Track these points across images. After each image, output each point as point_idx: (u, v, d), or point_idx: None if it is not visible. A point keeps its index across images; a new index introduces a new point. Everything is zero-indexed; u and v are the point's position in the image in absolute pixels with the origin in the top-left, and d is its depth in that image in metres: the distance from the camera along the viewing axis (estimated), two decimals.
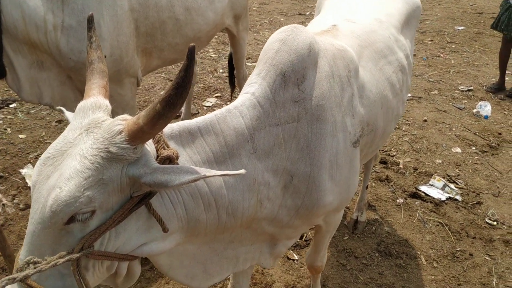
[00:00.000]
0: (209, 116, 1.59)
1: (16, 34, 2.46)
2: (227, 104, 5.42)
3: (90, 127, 1.29)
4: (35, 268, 1.22)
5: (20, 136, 4.58)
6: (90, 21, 1.51)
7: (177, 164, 1.40)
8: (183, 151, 1.49)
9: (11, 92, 5.14)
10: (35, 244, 1.27)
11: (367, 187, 3.59)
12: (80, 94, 2.86)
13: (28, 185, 3.78)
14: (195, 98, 5.56)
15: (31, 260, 1.23)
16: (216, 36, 7.73)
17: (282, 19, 9.35)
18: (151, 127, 1.21)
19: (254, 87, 1.66)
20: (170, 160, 1.37)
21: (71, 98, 2.85)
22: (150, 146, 1.39)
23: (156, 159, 1.36)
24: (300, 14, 9.73)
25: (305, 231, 2.12)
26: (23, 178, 3.88)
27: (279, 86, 1.64)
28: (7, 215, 3.45)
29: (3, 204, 3.52)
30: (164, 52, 3.07)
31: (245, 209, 1.65)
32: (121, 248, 1.39)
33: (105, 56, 2.62)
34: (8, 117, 4.98)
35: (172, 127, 1.51)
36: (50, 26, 2.48)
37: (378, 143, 2.29)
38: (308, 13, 9.75)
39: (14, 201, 3.60)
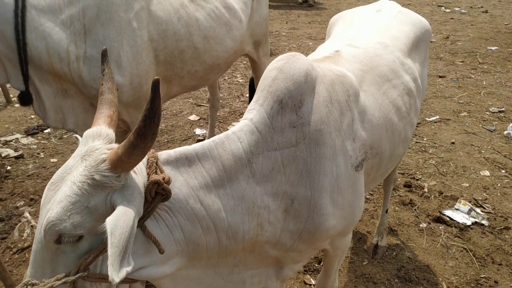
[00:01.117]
0: (207, 141, 1.65)
1: (41, 65, 2.62)
2: None
3: (85, 155, 1.38)
4: None
5: (52, 160, 4.79)
6: (104, 55, 1.61)
7: (168, 188, 1.44)
8: (180, 176, 1.55)
9: None
10: (37, 261, 1.38)
11: (387, 211, 3.54)
12: None
13: None
14: (221, 122, 5.67)
15: (30, 282, 1.32)
16: (244, 62, 7.88)
17: (310, 43, 9.44)
18: (128, 156, 1.29)
19: (252, 113, 1.72)
20: (159, 184, 1.43)
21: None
22: (142, 173, 1.46)
23: None
24: None
25: (312, 255, 2.13)
26: None
27: (277, 112, 1.69)
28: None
29: (32, 226, 3.68)
30: (184, 80, 3.18)
31: (245, 232, 1.68)
32: None
33: (125, 84, 2.76)
34: (42, 141, 5.23)
35: (169, 153, 1.58)
36: (73, 57, 2.63)
37: (386, 166, 2.29)
38: None
39: None
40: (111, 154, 1.34)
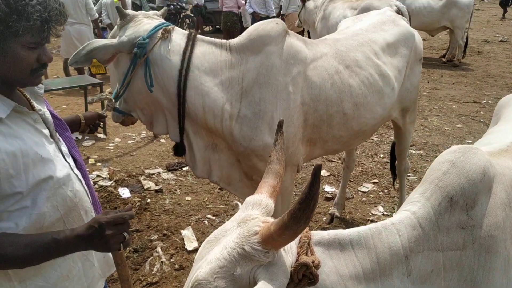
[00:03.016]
0: (363, 228, 1.56)
1: (196, 120, 2.79)
2: (384, 192, 5.27)
3: (241, 222, 1.39)
4: None
5: (186, 198, 5.05)
6: (280, 126, 1.65)
7: (316, 273, 1.38)
8: (330, 261, 1.47)
9: None
10: None
11: None
12: (244, 176, 3.06)
13: (186, 247, 4.09)
14: (351, 181, 5.50)
15: None
16: None
17: (454, 106, 8.91)
18: (279, 235, 1.25)
19: (416, 206, 1.59)
20: (307, 267, 1.37)
21: (236, 178, 3.08)
22: (292, 251, 1.41)
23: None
24: (475, 102, 9.15)
25: None
26: (182, 239, 4.22)
27: (445, 209, 1.54)
28: (163, 273, 3.76)
29: (162, 262, 3.85)
30: (328, 143, 3.15)
31: None
32: None
33: (272, 145, 2.81)
34: (180, 178, 5.56)
35: (322, 235, 1.52)
36: (226, 115, 2.75)
37: None
38: (484, 101, 9.13)
39: (171, 260, 3.92)
40: (264, 228, 1.32)
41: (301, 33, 11.36)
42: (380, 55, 3.26)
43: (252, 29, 2.86)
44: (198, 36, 2.83)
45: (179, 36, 2.78)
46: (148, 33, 2.64)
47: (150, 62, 2.67)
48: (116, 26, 2.85)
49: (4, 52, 1.50)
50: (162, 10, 3.05)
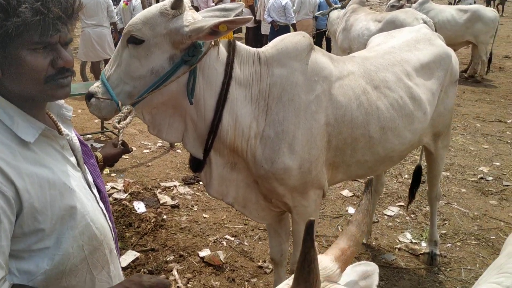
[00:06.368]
0: None
1: (225, 138, 2.59)
2: (411, 217, 5.03)
3: None
4: None
5: (204, 215, 4.90)
6: (368, 184, 1.43)
7: None
8: None
9: None
10: None
11: None
12: (262, 198, 2.89)
13: (202, 271, 3.92)
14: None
15: None
16: None
17: (478, 124, 8.63)
18: None
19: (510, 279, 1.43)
20: None
21: (252, 200, 2.90)
22: None
23: None
24: (499, 121, 8.83)
25: None
26: (200, 262, 4.05)
27: None
28: None
29: (178, 286, 3.69)
30: (351, 168, 2.98)
31: None
32: None
33: (294, 168, 2.65)
34: (197, 193, 5.41)
35: None
36: (252, 134, 2.60)
37: None
38: (510, 121, 8.81)
39: (188, 285, 3.75)
40: None
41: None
42: (413, 76, 3.09)
43: (279, 40, 2.72)
44: (236, 42, 2.58)
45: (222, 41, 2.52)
46: None
47: (198, 71, 2.40)
48: (158, 14, 2.29)
49: (9, 61, 1.31)
50: None
